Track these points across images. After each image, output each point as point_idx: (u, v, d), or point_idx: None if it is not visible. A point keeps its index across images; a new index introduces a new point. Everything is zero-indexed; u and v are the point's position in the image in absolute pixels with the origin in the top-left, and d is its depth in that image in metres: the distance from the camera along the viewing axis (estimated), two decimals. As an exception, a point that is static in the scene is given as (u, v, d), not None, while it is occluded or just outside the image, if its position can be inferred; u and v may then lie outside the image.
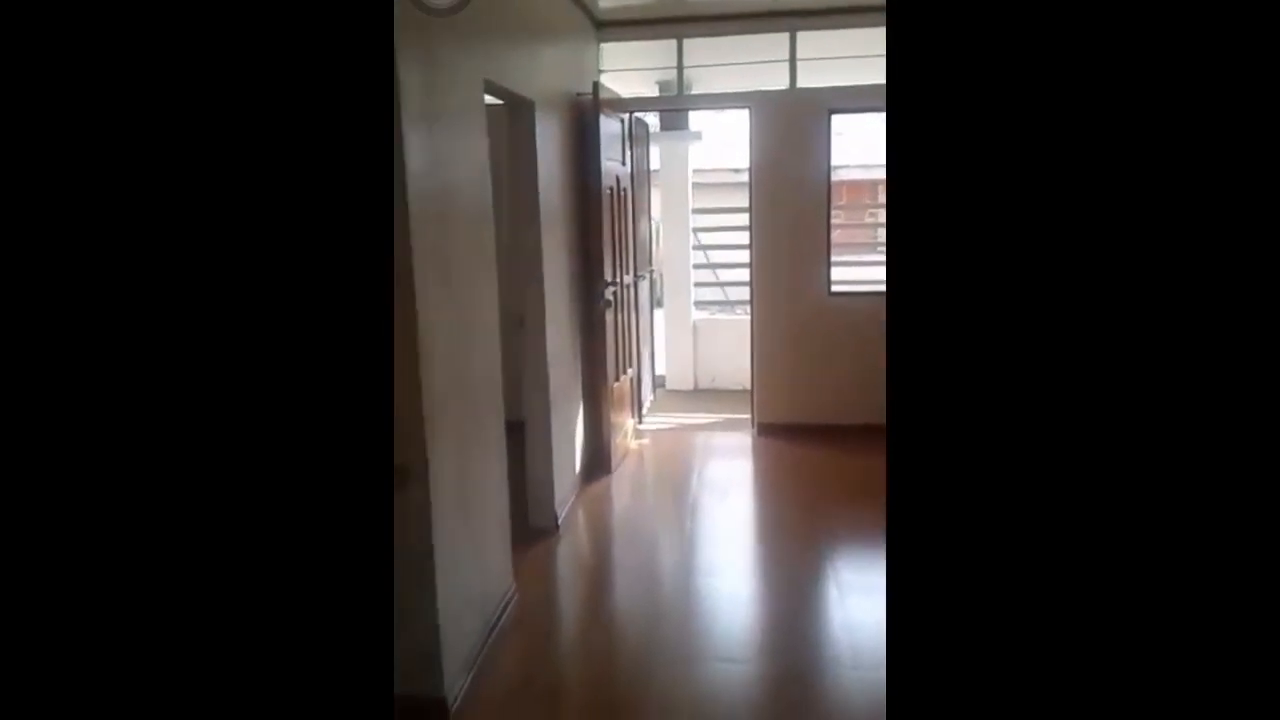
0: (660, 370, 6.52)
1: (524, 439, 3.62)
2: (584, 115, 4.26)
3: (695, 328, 6.58)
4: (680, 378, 6.58)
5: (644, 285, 5.66)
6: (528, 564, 3.38)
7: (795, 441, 4.95)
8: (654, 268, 6.20)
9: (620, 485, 4.39)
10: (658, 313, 6.62)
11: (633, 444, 4.98)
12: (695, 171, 6.76)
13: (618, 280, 4.60)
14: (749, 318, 5.20)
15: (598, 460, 4.44)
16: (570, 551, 3.64)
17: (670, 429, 5.47)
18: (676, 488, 4.52)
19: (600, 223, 4.25)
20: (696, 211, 6.93)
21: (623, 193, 4.75)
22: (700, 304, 6.98)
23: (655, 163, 6.38)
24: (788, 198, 4.94)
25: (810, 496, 4.19)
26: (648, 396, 5.75)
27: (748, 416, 5.28)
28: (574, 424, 4.12)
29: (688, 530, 3.87)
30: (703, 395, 6.38)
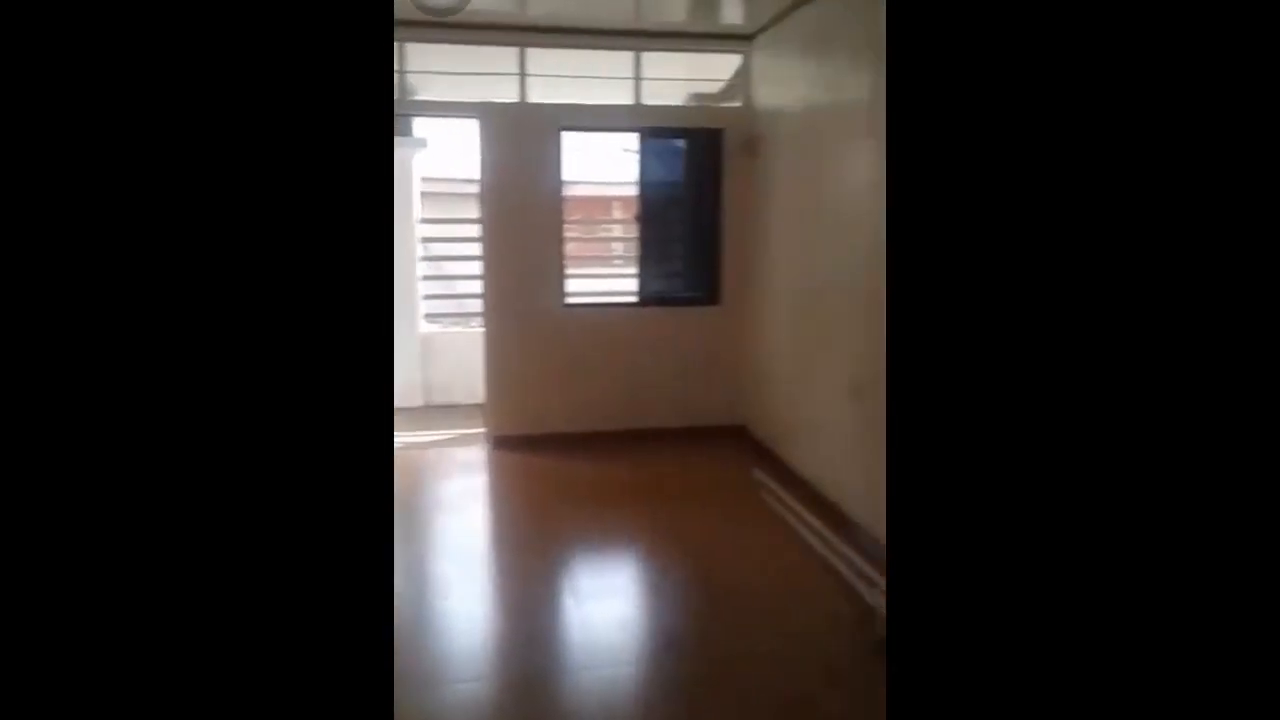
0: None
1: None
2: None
3: (425, 341, 6.35)
4: (407, 394, 6.30)
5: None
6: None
7: (531, 452, 4.94)
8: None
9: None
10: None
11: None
12: (424, 180, 6.55)
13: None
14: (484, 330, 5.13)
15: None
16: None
17: (404, 447, 5.20)
18: (401, 508, 4.30)
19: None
20: (425, 221, 6.71)
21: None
22: (432, 316, 6.76)
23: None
24: (520, 211, 4.95)
25: (544, 506, 4.19)
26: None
27: (482, 430, 5.17)
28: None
29: (415, 552, 3.68)
30: (434, 411, 6.16)
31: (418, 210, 6.40)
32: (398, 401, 6.18)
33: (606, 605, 3.11)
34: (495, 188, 4.91)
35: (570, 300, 5.15)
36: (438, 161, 6.61)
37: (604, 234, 8.23)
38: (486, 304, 5.01)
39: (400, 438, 5.40)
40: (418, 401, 6.29)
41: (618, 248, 7.06)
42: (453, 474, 4.79)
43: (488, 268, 4.96)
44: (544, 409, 5.11)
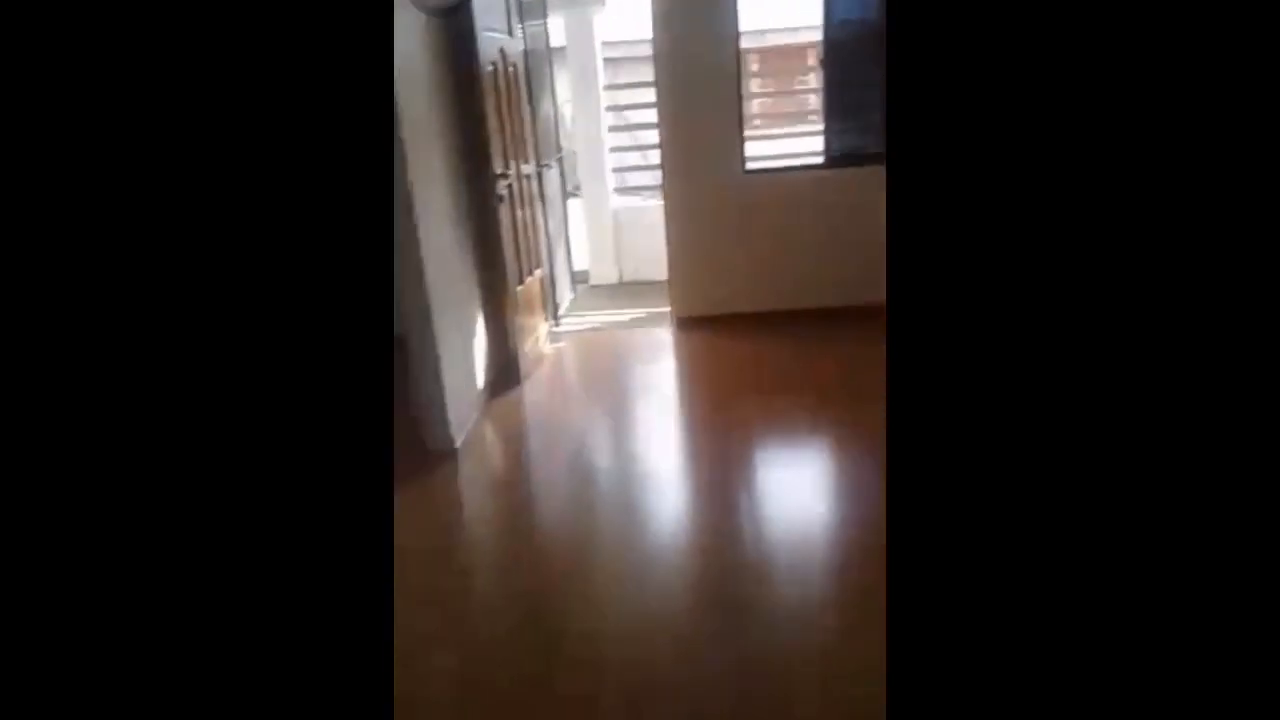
0: (583, 265, 6.15)
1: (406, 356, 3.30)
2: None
3: (616, 216, 6.17)
4: (603, 272, 6.22)
5: (552, 174, 5.21)
6: (424, 492, 3.13)
7: (715, 334, 4.68)
8: (562, 153, 5.72)
9: (531, 396, 4.10)
10: (574, 202, 6.19)
11: (547, 349, 4.67)
12: (606, 45, 6.18)
13: (513, 171, 4.17)
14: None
15: (505, 371, 4.14)
16: (477, 473, 3.38)
17: (590, 330, 5.16)
18: (591, 393, 4.28)
19: (483, 108, 3.78)
20: (610, 88, 6.39)
21: (511, 70, 4.25)
22: (624, 190, 6.55)
23: (560, 38, 5.80)
24: (693, 67, 4.48)
25: (729, 396, 3.97)
26: (566, 295, 5.41)
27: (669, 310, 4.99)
28: (470, 334, 3.79)
29: (603, 436, 3.64)
30: (627, 290, 6.05)
31: (602, 76, 6.09)
32: (596, 279, 6.16)
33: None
34: (667, 42, 4.47)
35: (751, 166, 4.68)
36: (622, 23, 6.16)
37: (800, 86, 7.44)
38: (664, 174, 4.68)
39: (596, 317, 5.36)
40: (611, 278, 6.22)
41: (813, 102, 6.32)
42: (640, 359, 4.68)
43: (663, 134, 4.60)
44: (727, 287, 4.79)
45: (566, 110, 6.15)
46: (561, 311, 5.23)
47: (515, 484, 3.37)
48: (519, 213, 4.27)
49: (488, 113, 3.80)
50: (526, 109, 4.58)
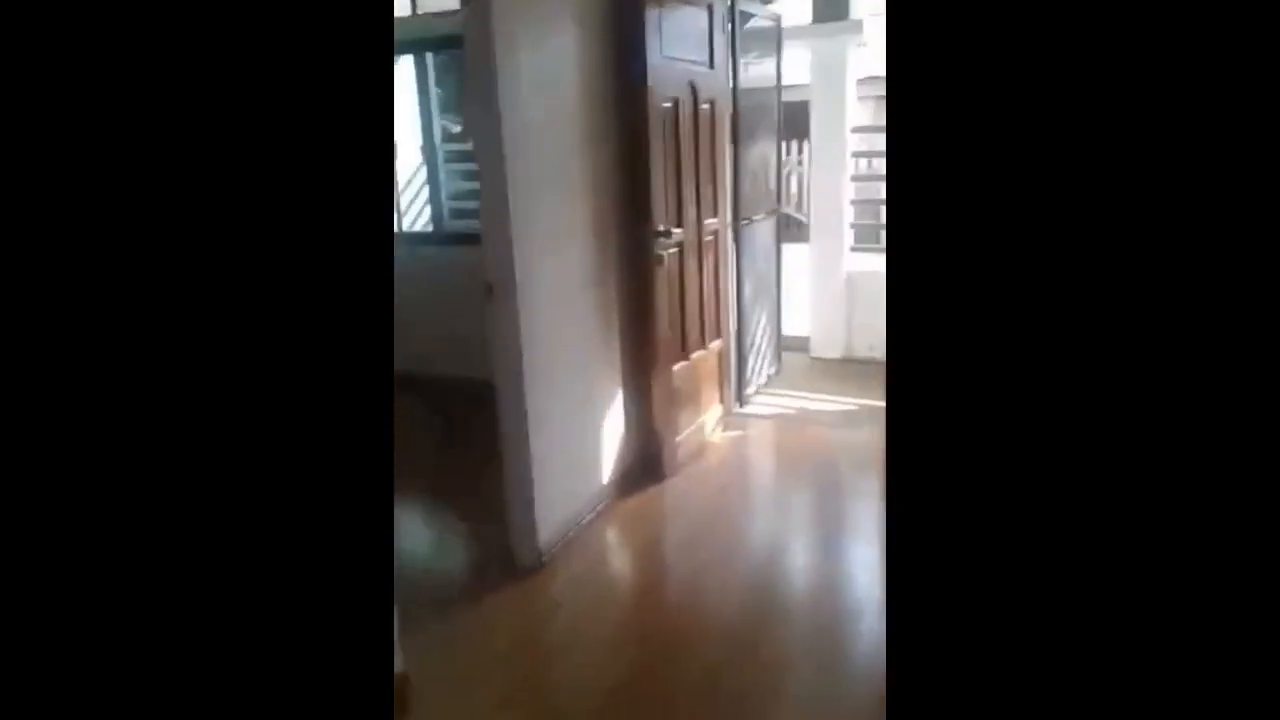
0: (803, 330, 5.26)
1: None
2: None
3: (850, 280, 5.20)
4: (830, 341, 5.27)
5: (760, 229, 4.43)
6: (500, 612, 2.54)
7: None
8: (783, 207, 4.91)
9: (670, 500, 3.35)
10: (802, 258, 5.32)
11: (716, 437, 3.90)
12: (861, 83, 5.27)
13: (691, 227, 3.48)
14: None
15: (646, 464, 3.44)
16: (563, 595, 2.72)
17: (783, 416, 4.28)
18: (747, 500, 3.43)
19: (646, 152, 3.15)
20: (860, 130, 5.45)
21: (706, 110, 3.58)
22: (864, 248, 5.55)
23: (801, 73, 5.02)
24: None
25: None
26: (763, 370, 4.58)
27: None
28: (591, 420, 3.15)
29: (740, 570, 2.79)
30: (854, 370, 5.04)
31: (851, 116, 5.18)
32: (818, 350, 5.25)
33: None
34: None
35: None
36: (876, 57, 5.22)
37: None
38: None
39: (792, 398, 4.47)
40: (836, 351, 5.25)
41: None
42: (837, 465, 3.72)
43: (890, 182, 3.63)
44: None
45: (803, 156, 5.32)
46: (752, 389, 4.41)
47: (601, 610, 2.64)
48: (697, 274, 3.58)
49: (653, 157, 3.15)
50: (727, 154, 3.88)
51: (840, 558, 3.00)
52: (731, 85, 3.89)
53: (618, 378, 3.30)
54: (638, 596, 2.81)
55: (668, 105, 3.27)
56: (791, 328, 5.35)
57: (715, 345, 3.84)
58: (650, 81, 3.09)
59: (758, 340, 4.46)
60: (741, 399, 4.24)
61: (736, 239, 4.05)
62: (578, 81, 2.90)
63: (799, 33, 4.85)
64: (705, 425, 3.79)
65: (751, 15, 4.10)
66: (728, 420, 4.04)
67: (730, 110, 3.91)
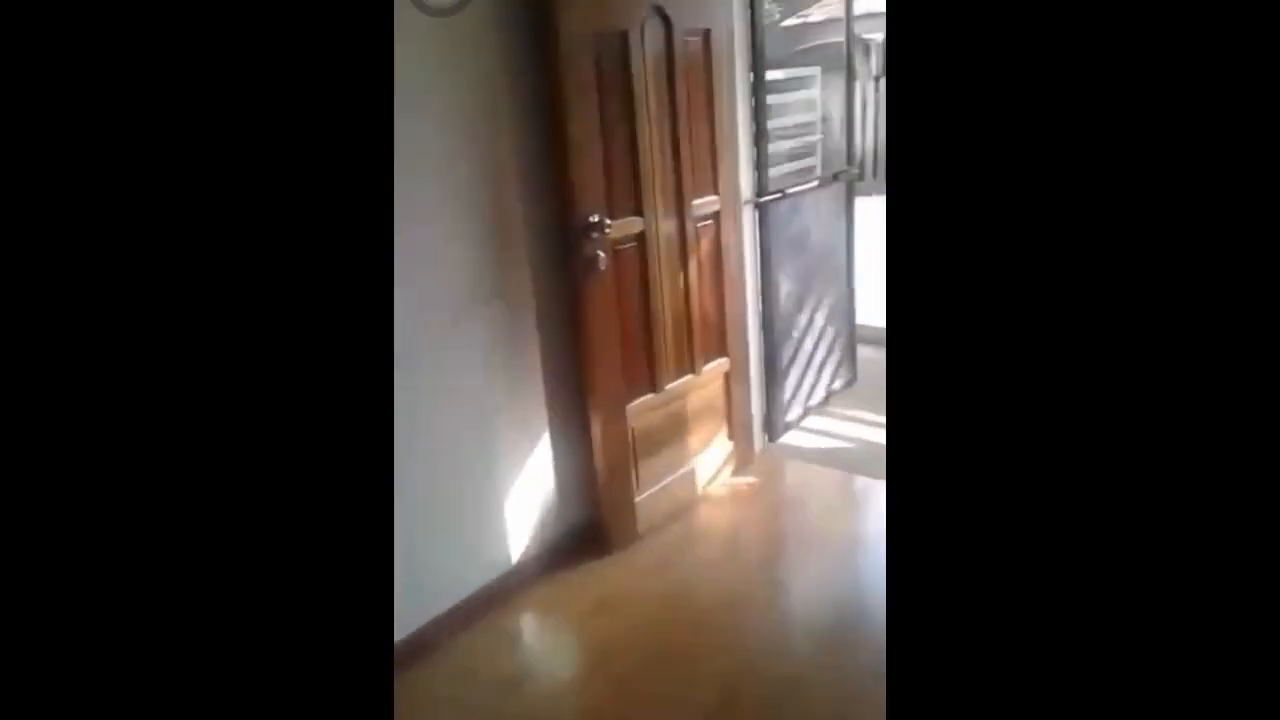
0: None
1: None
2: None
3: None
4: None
5: (812, 199, 3.32)
6: None
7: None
8: (853, 167, 3.70)
9: (603, 590, 2.45)
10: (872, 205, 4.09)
11: (718, 488, 2.95)
12: None
13: (649, 211, 2.53)
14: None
15: (587, 533, 2.60)
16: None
17: (836, 452, 3.22)
18: (722, 609, 2.43)
19: (561, 115, 2.23)
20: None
21: (683, 45, 2.56)
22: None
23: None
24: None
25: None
26: (820, 385, 3.50)
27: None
28: (489, 483, 2.34)
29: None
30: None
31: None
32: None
33: None
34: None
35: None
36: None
37: None
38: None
39: (868, 427, 3.39)
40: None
41: None
42: (850, 535, 2.66)
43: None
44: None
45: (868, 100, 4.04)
46: (798, 413, 3.37)
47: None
48: (677, 275, 2.64)
49: (574, 122, 2.23)
50: (740, 105, 2.83)
51: None
52: (749, 3, 2.81)
53: (542, 422, 2.47)
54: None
55: (610, 42, 2.31)
56: (877, 317, 4.17)
57: (717, 365, 2.87)
58: (559, 10, 2.15)
59: (810, 346, 3.39)
60: (775, 429, 3.23)
61: (763, 220, 3.01)
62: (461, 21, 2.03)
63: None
64: (697, 473, 2.86)
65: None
66: (744, 461, 3.06)
67: (749, 43, 2.84)
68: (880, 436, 3.30)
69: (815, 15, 10.08)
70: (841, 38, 3.54)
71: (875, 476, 2.95)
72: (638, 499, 2.63)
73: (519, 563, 2.45)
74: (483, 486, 2.33)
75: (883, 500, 2.82)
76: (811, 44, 9.47)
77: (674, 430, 2.76)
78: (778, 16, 10.16)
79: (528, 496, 2.46)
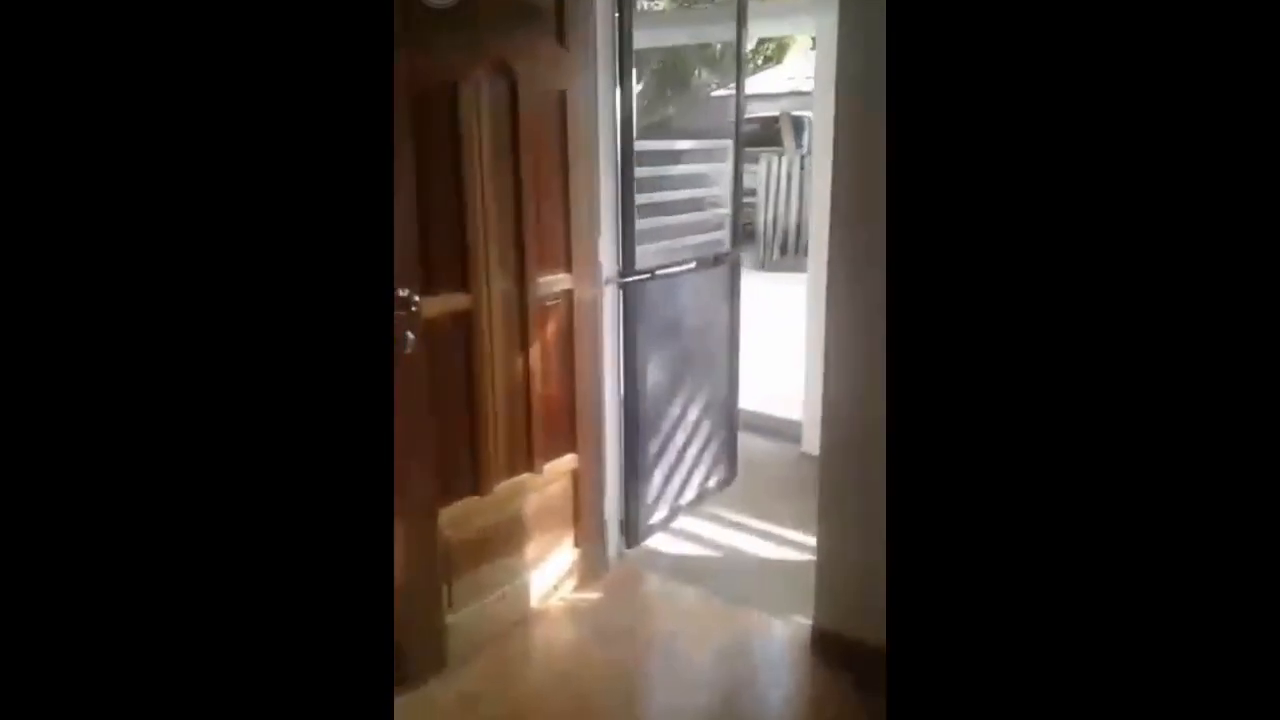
0: (794, 410, 3.78)
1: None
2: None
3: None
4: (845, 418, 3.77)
5: (691, 280, 3.05)
6: None
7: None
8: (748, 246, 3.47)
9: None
10: (767, 282, 3.84)
11: (556, 601, 2.58)
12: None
13: (476, 286, 2.21)
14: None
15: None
16: None
17: (700, 562, 2.89)
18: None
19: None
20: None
21: (531, 103, 2.28)
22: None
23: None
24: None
25: None
26: (691, 485, 3.18)
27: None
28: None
29: None
30: (863, 471, 3.53)
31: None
32: (806, 444, 3.77)
33: None
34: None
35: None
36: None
37: None
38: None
39: (743, 533, 3.06)
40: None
41: None
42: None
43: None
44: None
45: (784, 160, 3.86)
46: (661, 516, 3.03)
47: None
48: (515, 359, 2.30)
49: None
50: (604, 176, 2.56)
51: None
52: (617, 71, 2.56)
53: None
54: None
55: (437, 93, 2.01)
56: (777, 406, 3.92)
57: (563, 462, 2.53)
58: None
59: (682, 441, 3.08)
60: (635, 533, 2.88)
61: (629, 301, 2.71)
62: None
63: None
64: (531, 587, 2.48)
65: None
66: (592, 572, 2.70)
67: (614, 108, 2.58)
68: (757, 546, 2.98)
69: (748, 88, 10.13)
70: (775, 112, 3.33)
71: (737, 600, 2.62)
72: (449, 619, 2.24)
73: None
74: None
75: (746, 620, 2.49)
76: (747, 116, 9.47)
77: (504, 538, 2.39)
78: (712, 88, 10.17)
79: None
